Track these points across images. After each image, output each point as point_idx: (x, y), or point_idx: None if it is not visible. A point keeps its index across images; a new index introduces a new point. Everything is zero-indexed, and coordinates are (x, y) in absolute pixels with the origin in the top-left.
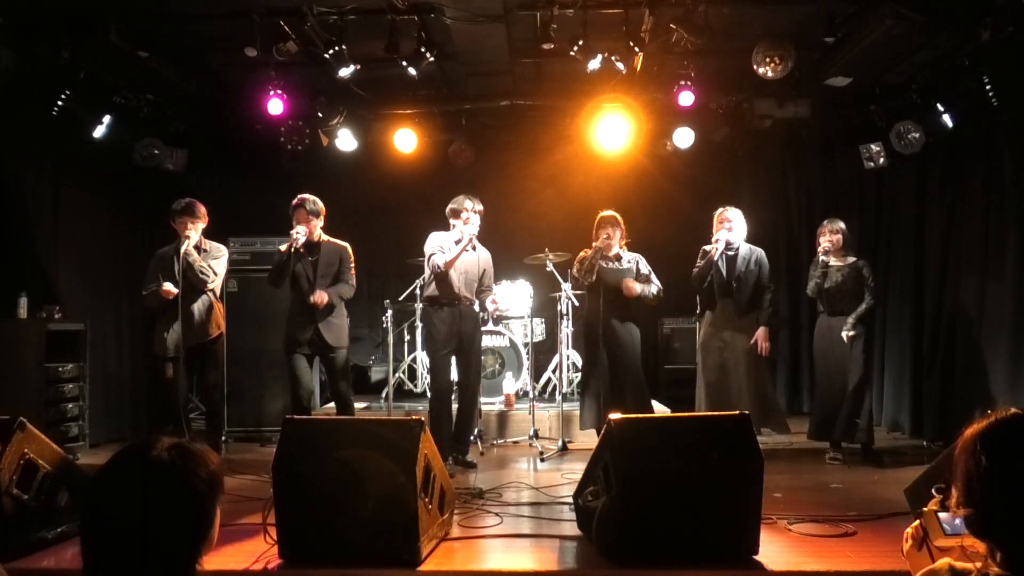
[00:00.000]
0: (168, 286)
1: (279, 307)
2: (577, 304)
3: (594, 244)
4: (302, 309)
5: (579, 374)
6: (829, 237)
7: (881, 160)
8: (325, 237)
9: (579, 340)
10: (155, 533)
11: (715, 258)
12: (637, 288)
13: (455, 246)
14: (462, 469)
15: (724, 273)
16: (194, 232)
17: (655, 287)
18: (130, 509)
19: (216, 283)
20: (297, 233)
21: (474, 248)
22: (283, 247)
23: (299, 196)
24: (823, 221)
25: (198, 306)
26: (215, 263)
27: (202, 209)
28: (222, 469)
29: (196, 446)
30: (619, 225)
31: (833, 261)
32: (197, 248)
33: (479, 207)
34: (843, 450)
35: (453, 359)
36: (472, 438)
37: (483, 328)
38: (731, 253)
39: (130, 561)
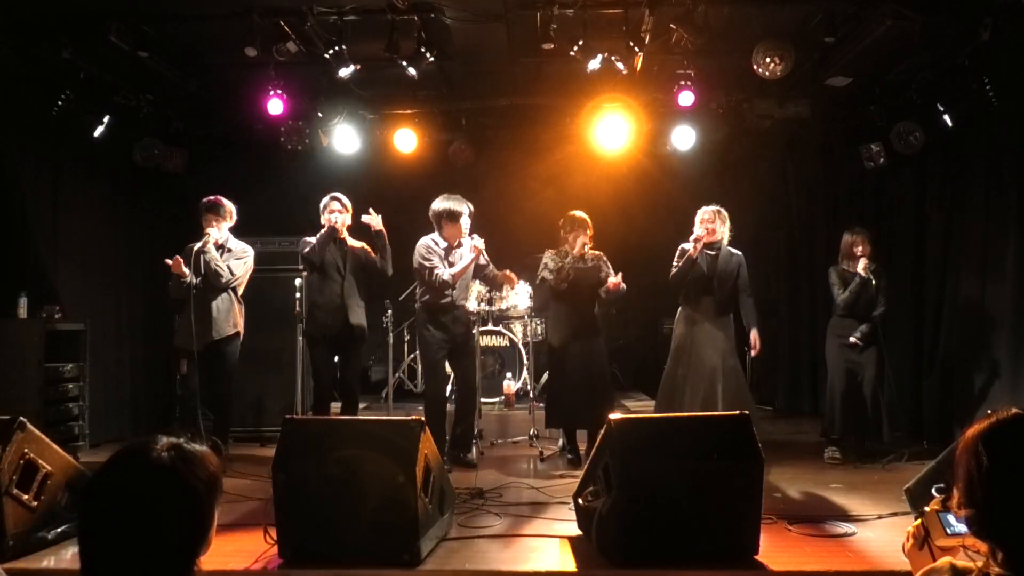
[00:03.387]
0: (176, 261)
1: (279, 307)
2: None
3: (568, 247)
4: (330, 296)
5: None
6: (864, 248)
7: (881, 160)
8: (348, 237)
9: (549, 340)
10: (154, 534)
11: (695, 257)
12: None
13: (455, 255)
14: (462, 469)
15: (705, 271)
16: (215, 229)
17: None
18: (129, 510)
19: (237, 282)
20: (335, 219)
21: (459, 245)
22: (312, 239)
23: (332, 193)
24: (854, 228)
25: (216, 304)
26: (235, 263)
27: (228, 208)
28: (221, 470)
29: (195, 447)
30: (589, 226)
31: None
32: (221, 247)
33: (471, 206)
34: (841, 447)
35: (447, 362)
36: (472, 439)
37: (483, 328)
38: (712, 252)
39: (129, 562)
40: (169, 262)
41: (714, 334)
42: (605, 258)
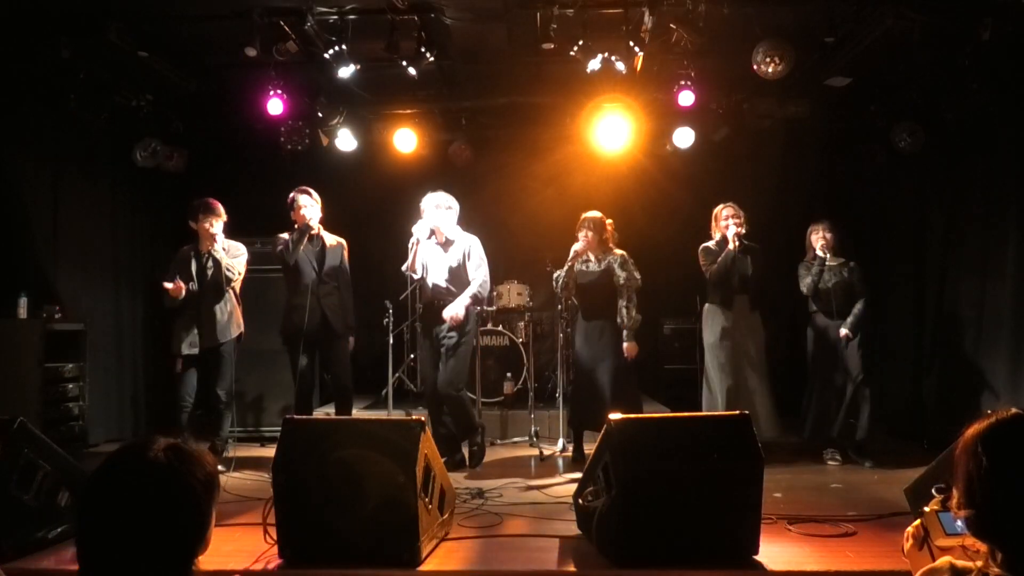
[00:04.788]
0: (171, 285)
1: (279, 307)
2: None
3: (573, 250)
4: (306, 296)
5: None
6: (824, 235)
7: (881, 160)
8: (324, 232)
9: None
10: (151, 534)
11: (734, 254)
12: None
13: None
14: (463, 470)
15: (738, 269)
16: (218, 230)
17: (628, 317)
18: (126, 509)
19: (238, 282)
20: (307, 215)
21: (447, 243)
22: (286, 235)
23: (299, 187)
24: (815, 221)
25: (220, 306)
26: (236, 261)
27: (221, 207)
28: (218, 470)
29: (193, 447)
30: (594, 227)
31: (828, 261)
32: None
33: (446, 202)
34: (841, 449)
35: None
36: (478, 440)
37: (483, 328)
38: (735, 250)
39: (126, 561)
40: (169, 286)
41: (749, 332)
42: (625, 259)
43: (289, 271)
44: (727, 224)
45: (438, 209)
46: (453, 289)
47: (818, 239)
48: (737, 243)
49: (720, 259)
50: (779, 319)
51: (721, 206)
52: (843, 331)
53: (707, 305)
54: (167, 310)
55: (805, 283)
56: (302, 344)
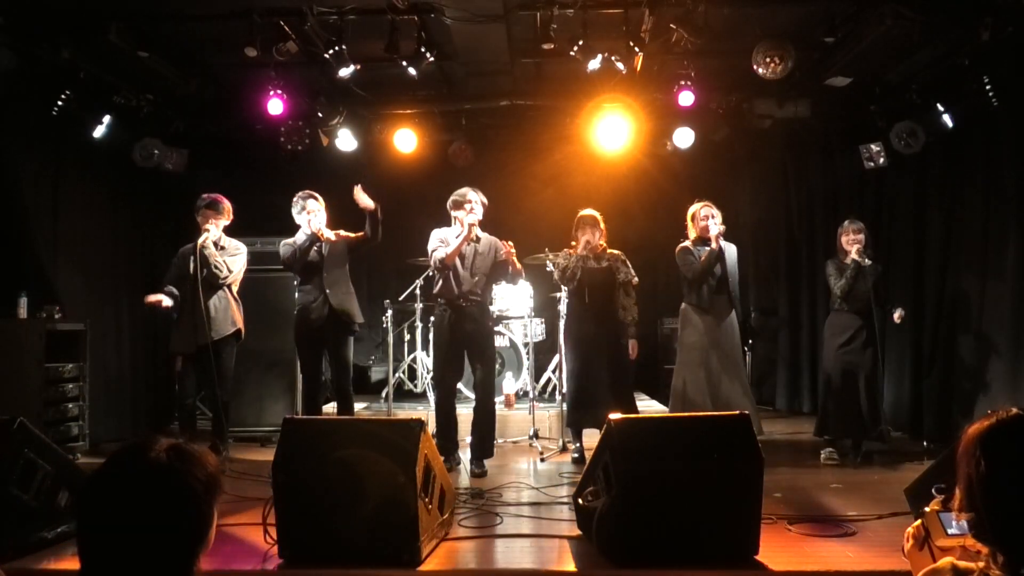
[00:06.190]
0: (153, 298)
1: (278, 307)
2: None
3: (574, 245)
4: (314, 294)
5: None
6: (858, 236)
7: (881, 160)
8: (326, 232)
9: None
10: (153, 534)
11: (717, 251)
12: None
13: (455, 240)
14: (475, 478)
15: (718, 269)
16: (213, 227)
17: (631, 315)
18: (127, 510)
19: (232, 280)
20: (314, 221)
21: (478, 240)
22: (296, 240)
23: (305, 191)
24: (846, 220)
25: (214, 302)
26: (231, 260)
27: (227, 206)
28: (220, 470)
29: (194, 447)
30: (599, 226)
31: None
32: (215, 245)
33: (484, 198)
34: (838, 448)
35: (465, 359)
36: (487, 448)
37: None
38: (718, 249)
39: (127, 562)
40: (152, 299)
41: (727, 331)
42: (624, 259)
43: (296, 272)
44: (706, 224)
45: (481, 206)
46: (480, 287)
47: (850, 242)
48: (719, 244)
49: (704, 258)
50: (779, 319)
51: (699, 205)
52: (898, 311)
53: (684, 305)
54: (165, 312)
55: (839, 285)
56: (311, 342)
